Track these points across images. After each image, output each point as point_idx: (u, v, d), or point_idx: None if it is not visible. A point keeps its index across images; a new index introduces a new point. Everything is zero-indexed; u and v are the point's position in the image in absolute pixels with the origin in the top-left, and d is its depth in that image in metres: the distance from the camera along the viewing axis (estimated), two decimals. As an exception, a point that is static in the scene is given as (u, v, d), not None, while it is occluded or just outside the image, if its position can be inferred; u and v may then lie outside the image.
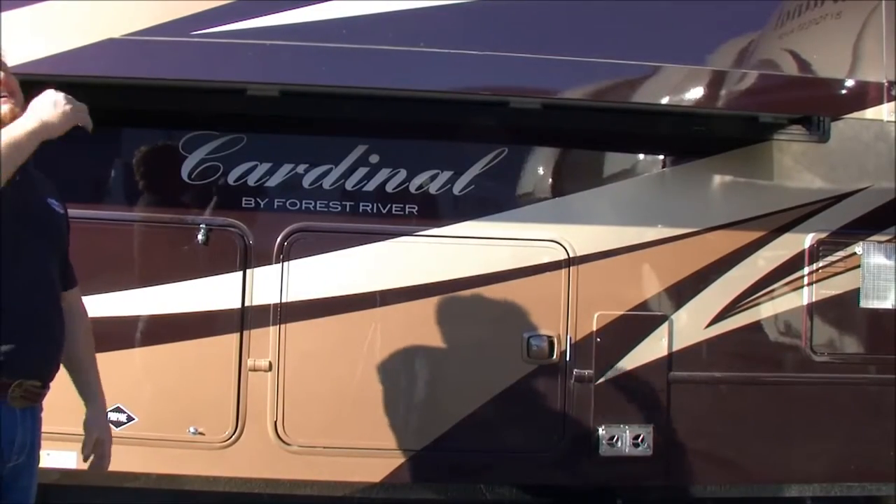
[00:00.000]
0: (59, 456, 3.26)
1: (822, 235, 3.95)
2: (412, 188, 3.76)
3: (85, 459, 2.50)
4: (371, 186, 3.75)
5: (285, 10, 3.28)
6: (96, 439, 2.49)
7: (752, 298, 3.90)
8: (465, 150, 3.81)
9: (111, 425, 2.69)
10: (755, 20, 3.63)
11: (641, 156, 3.99)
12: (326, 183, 3.73)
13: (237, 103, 3.57)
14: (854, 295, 3.94)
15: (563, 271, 3.79)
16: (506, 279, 3.77)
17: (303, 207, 3.72)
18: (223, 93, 3.55)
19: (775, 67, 3.64)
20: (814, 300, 3.95)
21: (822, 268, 3.95)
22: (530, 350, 3.75)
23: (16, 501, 2.24)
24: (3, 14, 3.04)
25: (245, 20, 3.26)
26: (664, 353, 3.85)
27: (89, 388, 2.53)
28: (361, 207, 3.76)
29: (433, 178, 3.78)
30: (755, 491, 4.07)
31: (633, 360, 3.82)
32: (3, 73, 2.25)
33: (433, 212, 3.79)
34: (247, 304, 3.65)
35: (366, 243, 3.73)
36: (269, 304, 3.66)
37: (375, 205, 3.76)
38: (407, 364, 3.73)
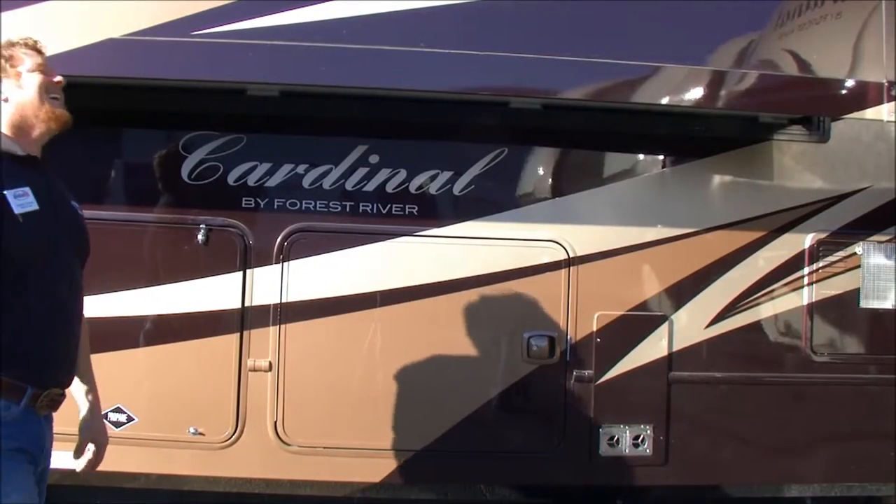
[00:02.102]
0: (59, 456, 3.25)
1: (822, 235, 3.95)
2: (412, 188, 3.76)
3: (76, 458, 2.48)
4: (371, 187, 3.75)
5: (285, 11, 3.28)
6: (91, 441, 2.47)
7: (752, 299, 3.91)
8: (465, 150, 3.82)
9: (109, 425, 2.67)
10: (755, 20, 3.63)
11: (641, 156, 3.99)
12: (326, 183, 3.73)
13: (237, 103, 3.57)
14: (854, 295, 3.95)
15: (563, 271, 3.79)
16: (506, 279, 3.77)
17: (303, 207, 3.72)
18: (223, 93, 3.55)
19: (775, 67, 3.63)
20: (814, 300, 3.95)
21: (822, 268, 3.95)
22: (530, 350, 3.75)
23: None
24: (3, 14, 3.03)
25: (245, 20, 3.26)
26: (664, 353, 3.85)
27: (85, 390, 2.49)
28: (361, 208, 3.76)
29: (433, 178, 3.78)
30: (755, 491, 4.07)
31: (633, 360, 3.83)
32: (60, 76, 2.25)
33: (433, 212, 3.79)
34: (247, 304, 3.65)
35: (366, 243, 3.72)
36: (269, 305, 3.66)
37: (375, 205, 3.76)
38: (407, 364, 3.73)
